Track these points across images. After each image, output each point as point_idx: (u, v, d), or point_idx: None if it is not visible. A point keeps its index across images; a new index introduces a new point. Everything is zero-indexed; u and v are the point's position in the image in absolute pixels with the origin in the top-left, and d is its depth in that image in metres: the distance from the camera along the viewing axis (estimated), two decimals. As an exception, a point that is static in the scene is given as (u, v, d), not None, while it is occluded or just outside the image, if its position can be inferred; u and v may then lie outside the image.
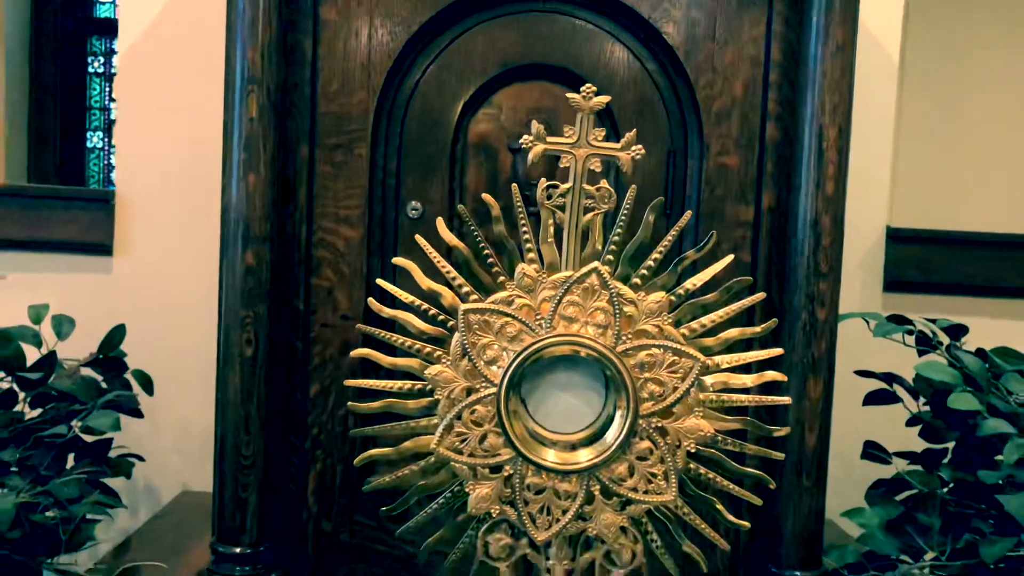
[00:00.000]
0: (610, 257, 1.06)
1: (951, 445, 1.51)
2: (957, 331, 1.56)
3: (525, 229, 1.06)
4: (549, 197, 1.06)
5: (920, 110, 2.35)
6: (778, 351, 1.12)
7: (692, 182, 1.45)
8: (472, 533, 1.09)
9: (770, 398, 1.11)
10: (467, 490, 1.06)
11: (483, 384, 1.03)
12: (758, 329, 1.10)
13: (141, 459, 1.64)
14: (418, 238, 1.10)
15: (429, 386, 1.06)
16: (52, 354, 1.55)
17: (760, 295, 1.10)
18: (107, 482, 1.51)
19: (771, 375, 1.09)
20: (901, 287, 1.94)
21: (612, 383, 1.03)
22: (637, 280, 1.07)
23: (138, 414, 1.62)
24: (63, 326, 1.61)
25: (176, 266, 1.89)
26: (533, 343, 1.02)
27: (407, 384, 1.08)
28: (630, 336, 1.03)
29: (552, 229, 1.06)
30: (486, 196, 1.10)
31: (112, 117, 3.69)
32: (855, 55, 1.37)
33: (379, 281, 1.12)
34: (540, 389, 1.05)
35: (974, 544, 1.33)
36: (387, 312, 1.09)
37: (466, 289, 1.06)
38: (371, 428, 1.10)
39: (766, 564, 1.41)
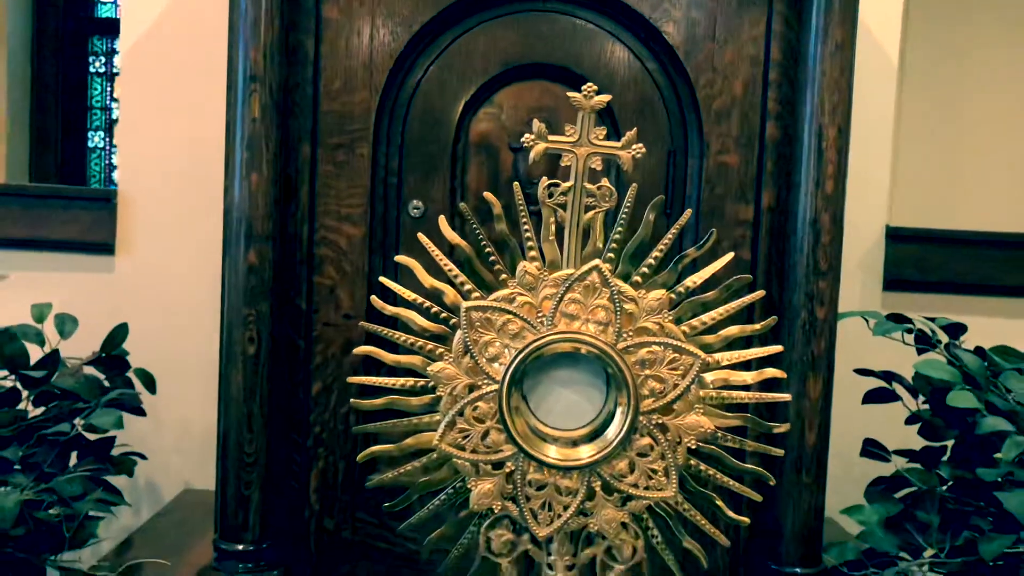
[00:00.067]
0: (611, 255, 1.07)
1: (950, 443, 1.51)
2: (956, 330, 1.56)
3: (526, 227, 1.06)
4: (550, 195, 1.07)
5: (920, 110, 2.36)
6: (778, 348, 1.13)
7: (692, 181, 1.46)
8: (474, 529, 1.09)
9: (770, 395, 1.12)
10: (469, 486, 1.06)
11: (485, 381, 1.04)
12: (758, 326, 1.10)
13: (143, 457, 1.64)
14: (421, 236, 1.11)
15: (431, 383, 1.06)
16: (55, 352, 1.56)
17: (760, 293, 1.11)
18: (109, 480, 1.51)
19: (771, 372, 1.10)
20: (900, 286, 1.94)
21: (613, 380, 1.04)
22: (638, 278, 1.07)
23: (140, 412, 1.63)
24: (66, 325, 1.62)
25: (178, 265, 1.90)
26: (535, 340, 1.02)
27: (409, 381, 1.08)
28: (631, 333, 1.04)
29: (553, 227, 1.07)
30: (488, 194, 1.10)
31: (113, 116, 3.69)
32: (855, 55, 1.38)
33: (382, 279, 1.12)
34: (542, 386, 1.06)
35: (973, 541, 1.34)
36: (390, 310, 1.10)
37: (468, 287, 1.07)
38: (373, 425, 1.11)
39: (766, 561, 1.41)
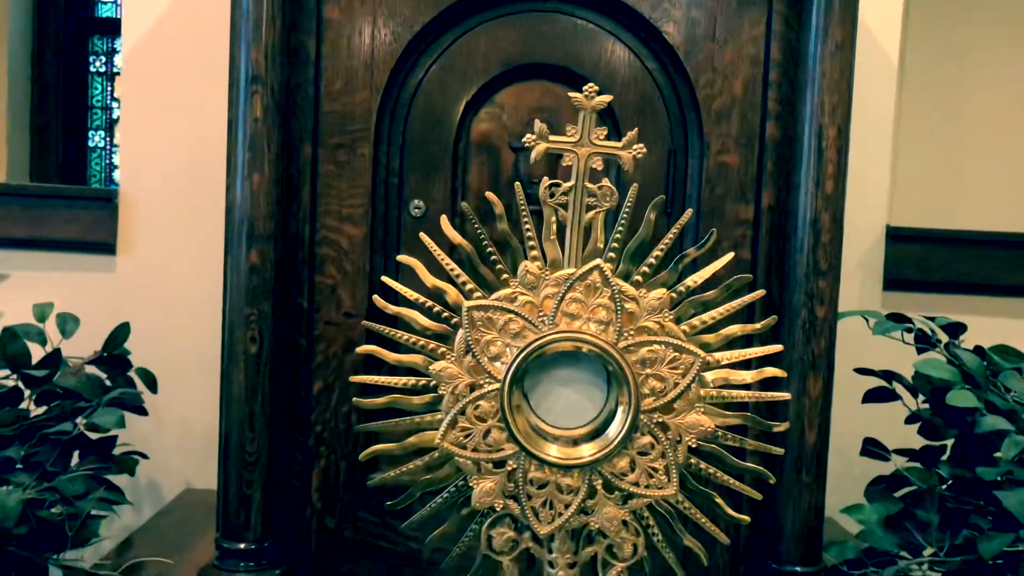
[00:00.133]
0: (612, 255, 1.07)
1: (950, 442, 1.52)
2: (956, 329, 1.56)
3: (528, 227, 1.07)
4: (552, 195, 1.07)
5: (920, 110, 2.36)
6: (778, 348, 1.14)
7: (692, 181, 1.46)
8: (476, 527, 1.10)
9: (770, 394, 1.12)
10: (471, 485, 1.07)
11: (487, 380, 1.04)
12: (758, 326, 1.11)
13: (145, 456, 1.65)
14: (423, 236, 1.12)
15: (433, 382, 1.07)
16: (57, 352, 1.56)
17: (760, 292, 1.11)
18: (111, 479, 1.52)
19: (771, 371, 1.11)
20: (900, 286, 1.94)
21: (614, 379, 1.04)
22: (638, 277, 1.08)
23: (142, 412, 1.63)
24: (68, 324, 1.62)
25: (179, 265, 1.90)
26: (536, 339, 1.03)
27: (411, 380, 1.09)
28: (631, 332, 1.04)
29: (555, 227, 1.07)
30: (489, 194, 1.11)
31: (114, 116, 3.70)
32: (854, 55, 1.38)
33: (384, 278, 1.13)
34: (543, 385, 1.06)
35: (972, 540, 1.34)
36: (392, 309, 1.10)
37: (470, 286, 1.07)
38: (375, 424, 1.11)
39: (766, 560, 1.41)
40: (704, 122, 1.44)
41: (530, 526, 1.06)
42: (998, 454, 1.39)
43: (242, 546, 1.37)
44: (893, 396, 1.58)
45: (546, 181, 1.07)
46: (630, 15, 1.44)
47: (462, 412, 1.04)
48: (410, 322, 1.09)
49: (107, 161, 3.73)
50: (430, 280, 1.09)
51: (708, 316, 1.08)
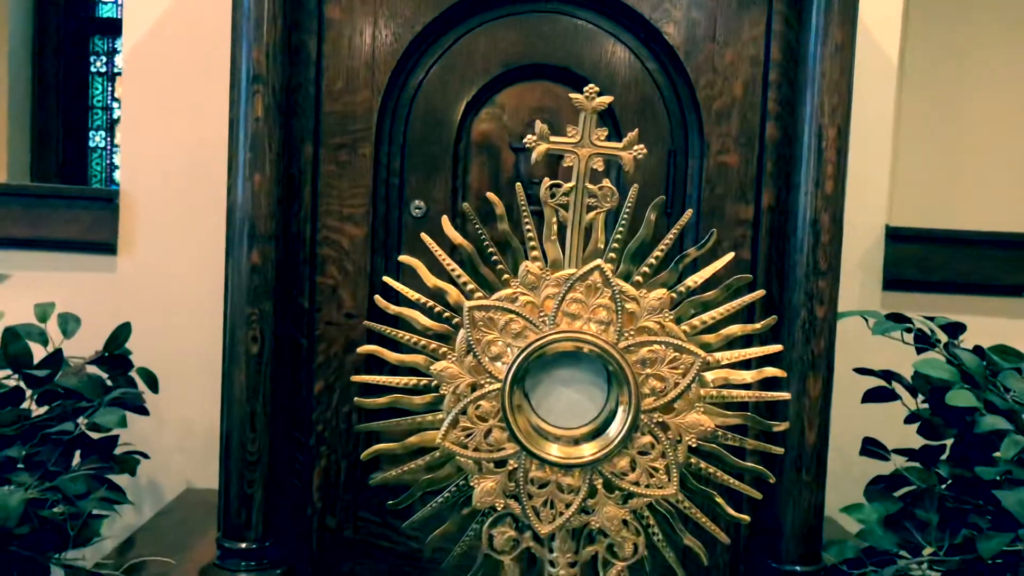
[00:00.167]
0: (612, 255, 1.08)
1: (949, 442, 1.52)
2: (955, 329, 1.57)
3: (528, 227, 1.07)
4: (552, 196, 1.07)
5: (920, 110, 2.36)
6: (778, 347, 1.14)
7: (693, 181, 1.46)
8: (477, 527, 1.10)
9: (770, 394, 1.12)
10: (472, 484, 1.07)
11: (488, 380, 1.05)
12: (758, 325, 1.11)
13: (146, 456, 1.65)
14: (424, 236, 1.12)
15: (434, 382, 1.07)
16: (58, 352, 1.56)
17: (760, 292, 1.12)
18: (112, 479, 1.52)
19: (770, 371, 1.11)
20: (900, 286, 1.95)
21: (614, 379, 1.05)
22: (639, 277, 1.08)
23: (143, 411, 1.63)
24: (69, 324, 1.62)
25: (180, 265, 1.90)
26: (537, 339, 1.03)
27: (412, 380, 1.09)
28: (632, 332, 1.04)
29: (555, 227, 1.07)
30: (490, 195, 1.11)
31: (115, 116, 3.70)
32: (854, 55, 1.38)
33: (386, 278, 1.13)
34: (544, 385, 1.07)
35: (972, 539, 1.34)
36: (393, 309, 1.10)
37: (471, 286, 1.08)
38: (376, 423, 1.12)
39: (766, 559, 1.42)
40: (704, 122, 1.44)
41: (531, 525, 1.06)
42: (997, 454, 1.39)
43: (243, 545, 1.37)
44: (892, 396, 1.58)
45: (547, 182, 1.07)
46: (630, 16, 1.44)
47: (463, 412, 1.04)
48: (411, 322, 1.09)
49: (108, 161, 3.73)
50: (431, 280, 1.09)
51: (708, 316, 1.09)
